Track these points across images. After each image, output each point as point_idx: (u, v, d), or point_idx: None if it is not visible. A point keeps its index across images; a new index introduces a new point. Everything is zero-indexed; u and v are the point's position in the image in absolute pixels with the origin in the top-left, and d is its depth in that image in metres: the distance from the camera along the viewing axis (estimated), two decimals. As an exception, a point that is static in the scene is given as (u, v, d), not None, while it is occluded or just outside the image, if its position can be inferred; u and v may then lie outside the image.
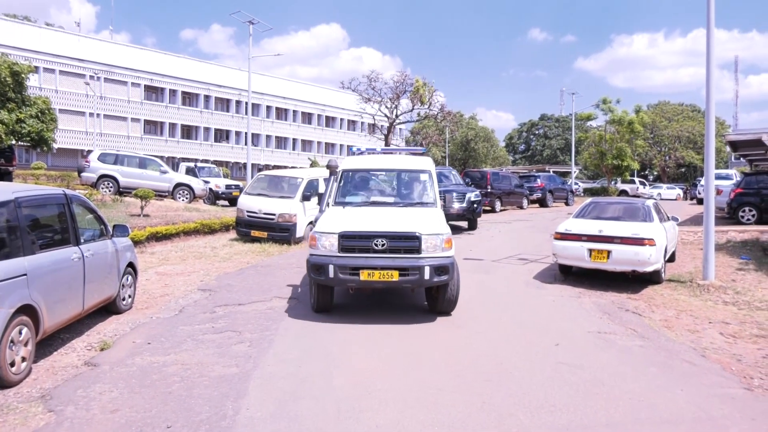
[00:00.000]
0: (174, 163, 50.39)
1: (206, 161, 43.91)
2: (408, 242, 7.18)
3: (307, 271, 7.38)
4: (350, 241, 7.20)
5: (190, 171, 26.14)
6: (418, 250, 7.13)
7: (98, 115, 48.21)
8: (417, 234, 7.18)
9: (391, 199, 8.77)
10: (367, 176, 9.18)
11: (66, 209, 6.40)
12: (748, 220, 18.26)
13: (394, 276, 7.02)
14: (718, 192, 18.37)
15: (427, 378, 5.38)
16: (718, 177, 22.71)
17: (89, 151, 28.33)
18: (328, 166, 8.98)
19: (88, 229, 7.05)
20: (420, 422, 4.44)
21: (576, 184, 46.37)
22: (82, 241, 6.56)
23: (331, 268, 7.06)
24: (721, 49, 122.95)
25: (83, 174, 21.52)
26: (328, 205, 8.64)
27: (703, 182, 12.15)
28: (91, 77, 48.22)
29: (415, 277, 7.06)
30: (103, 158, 21.70)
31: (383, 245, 7.13)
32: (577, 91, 51.16)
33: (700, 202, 22.42)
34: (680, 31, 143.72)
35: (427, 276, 7.04)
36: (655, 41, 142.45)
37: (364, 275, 7.03)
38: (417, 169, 9.10)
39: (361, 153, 10.13)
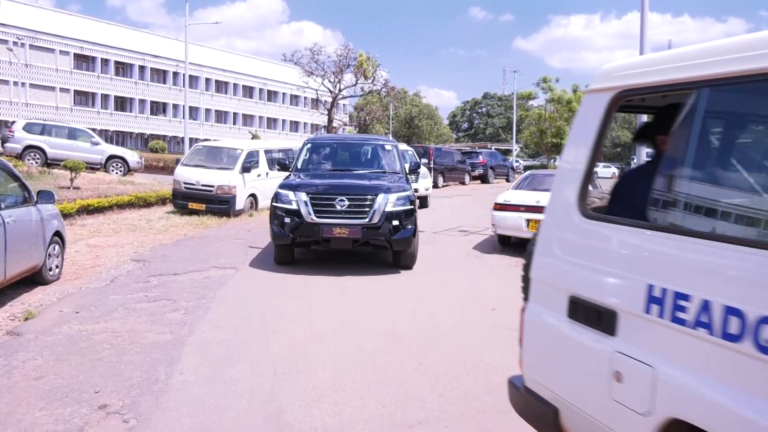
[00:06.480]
0: (108, 135, 48.23)
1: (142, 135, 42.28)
2: None
3: None
4: None
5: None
6: None
7: (23, 84, 45.48)
8: None
9: None
10: None
11: (-16, 173, 6.02)
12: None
13: None
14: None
15: (363, 342, 5.41)
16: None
17: (14, 122, 26.77)
18: None
19: (9, 195, 6.68)
20: (356, 381, 4.46)
21: (517, 161, 47.34)
22: (2, 206, 6.21)
23: None
24: (654, 33, 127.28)
25: (7, 144, 20.38)
26: None
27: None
28: (15, 43, 45.34)
29: None
30: (29, 128, 20.65)
31: None
32: (518, 69, 52.06)
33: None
34: (616, 13, 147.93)
35: None
36: (591, 23, 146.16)
37: None
38: None
39: None
